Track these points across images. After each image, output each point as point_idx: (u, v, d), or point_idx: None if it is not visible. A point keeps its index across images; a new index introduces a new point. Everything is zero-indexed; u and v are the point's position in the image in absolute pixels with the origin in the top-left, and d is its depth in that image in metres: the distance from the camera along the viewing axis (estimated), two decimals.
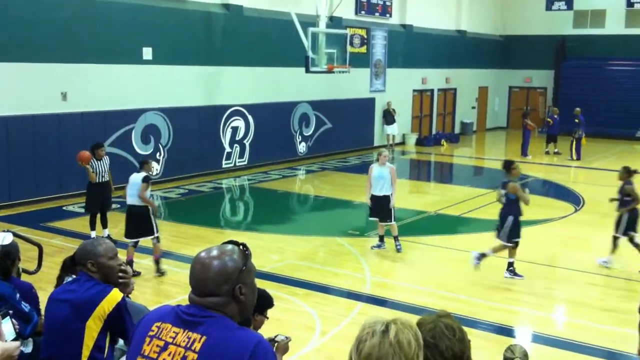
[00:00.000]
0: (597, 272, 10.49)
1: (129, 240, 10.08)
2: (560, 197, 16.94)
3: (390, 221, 11.41)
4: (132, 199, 10.02)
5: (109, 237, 11.24)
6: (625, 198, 10.69)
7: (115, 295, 3.77)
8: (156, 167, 17.05)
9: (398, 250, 11.38)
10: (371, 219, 11.72)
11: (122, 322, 3.76)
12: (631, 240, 10.61)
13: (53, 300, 3.90)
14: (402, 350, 2.08)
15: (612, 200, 10.99)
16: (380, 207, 11.33)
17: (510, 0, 33.25)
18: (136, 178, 10.00)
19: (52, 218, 13.39)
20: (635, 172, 11.07)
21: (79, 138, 14.57)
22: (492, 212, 14.63)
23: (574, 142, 23.45)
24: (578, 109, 24.13)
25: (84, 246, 3.96)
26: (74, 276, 4.19)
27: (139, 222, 9.95)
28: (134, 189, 9.96)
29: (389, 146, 24.62)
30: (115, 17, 15.86)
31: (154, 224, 9.97)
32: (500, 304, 9.07)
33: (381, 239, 11.59)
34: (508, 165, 10.30)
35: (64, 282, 4.36)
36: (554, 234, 13.00)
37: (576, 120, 23.58)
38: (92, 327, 3.73)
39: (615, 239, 10.70)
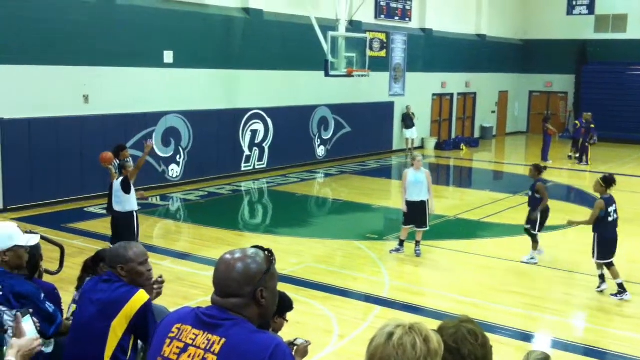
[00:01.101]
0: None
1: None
2: (581, 202, 16.78)
3: (426, 227, 11.35)
4: (114, 205, 10.18)
5: None
6: (535, 195, 10.93)
7: (142, 296, 3.82)
8: (175, 170, 17.21)
9: (417, 255, 11.35)
10: (405, 226, 11.43)
11: (146, 322, 3.78)
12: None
13: (84, 298, 3.95)
14: (405, 353, 2.10)
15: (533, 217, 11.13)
16: (417, 213, 11.21)
17: (530, 5, 33.05)
18: (116, 184, 10.15)
19: (73, 219, 13.51)
20: (545, 168, 11.31)
21: (100, 140, 14.70)
22: (512, 217, 14.63)
23: (587, 147, 23.29)
24: (590, 113, 23.98)
25: (115, 249, 4.00)
26: (94, 277, 4.24)
27: (122, 229, 9.99)
28: (116, 195, 10.09)
29: (408, 150, 24.61)
30: (137, 21, 16.01)
31: (136, 232, 10.00)
32: (519, 309, 9.02)
33: (401, 243, 11.53)
34: (612, 181, 9.61)
35: (85, 281, 4.41)
36: (574, 240, 12.87)
37: (592, 126, 23.38)
38: (117, 327, 3.77)
39: (529, 232, 11.12)
